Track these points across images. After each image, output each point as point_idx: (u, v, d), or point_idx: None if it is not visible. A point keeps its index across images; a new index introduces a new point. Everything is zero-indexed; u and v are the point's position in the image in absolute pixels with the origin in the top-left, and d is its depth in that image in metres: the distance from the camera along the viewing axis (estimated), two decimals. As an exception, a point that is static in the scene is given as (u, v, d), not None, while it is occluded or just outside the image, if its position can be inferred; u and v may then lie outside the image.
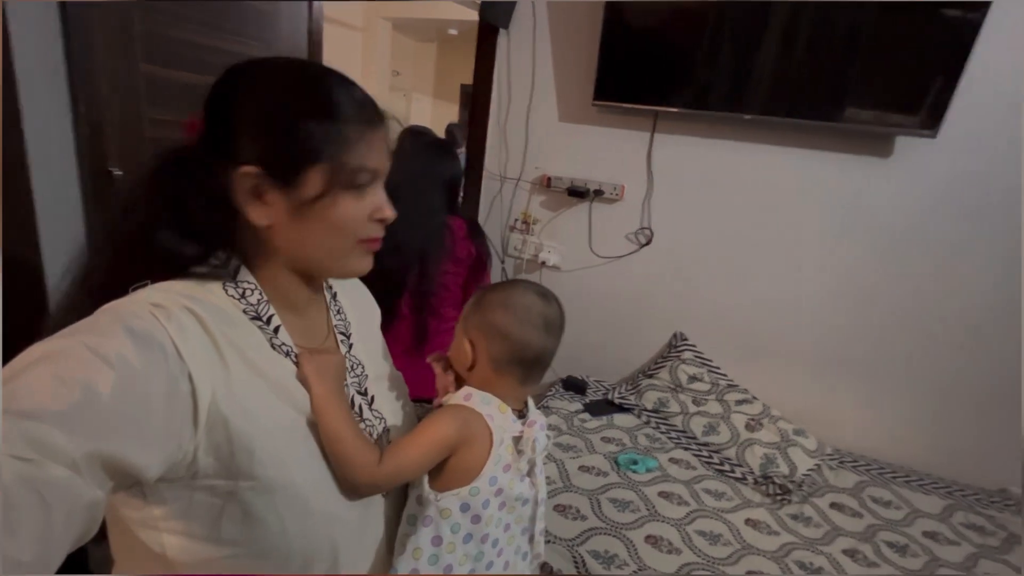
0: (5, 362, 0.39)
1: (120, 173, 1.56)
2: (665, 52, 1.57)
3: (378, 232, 0.56)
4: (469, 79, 6.41)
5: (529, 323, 0.64)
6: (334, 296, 0.68)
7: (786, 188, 1.58)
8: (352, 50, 4.47)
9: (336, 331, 0.65)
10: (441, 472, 0.60)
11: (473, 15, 4.58)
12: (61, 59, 1.43)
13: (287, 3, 1.95)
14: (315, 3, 2.09)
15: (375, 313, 0.77)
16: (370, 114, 0.52)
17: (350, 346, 0.66)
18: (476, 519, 0.59)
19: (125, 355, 0.40)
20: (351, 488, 0.54)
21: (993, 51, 1.30)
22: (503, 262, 1.94)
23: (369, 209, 0.53)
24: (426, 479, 0.60)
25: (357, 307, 0.72)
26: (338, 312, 0.67)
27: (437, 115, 5.81)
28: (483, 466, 0.59)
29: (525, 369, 0.65)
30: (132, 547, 0.48)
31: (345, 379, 0.60)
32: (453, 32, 5.20)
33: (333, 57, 2.14)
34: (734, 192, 1.64)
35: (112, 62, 1.49)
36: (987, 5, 1.25)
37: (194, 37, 1.69)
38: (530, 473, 0.64)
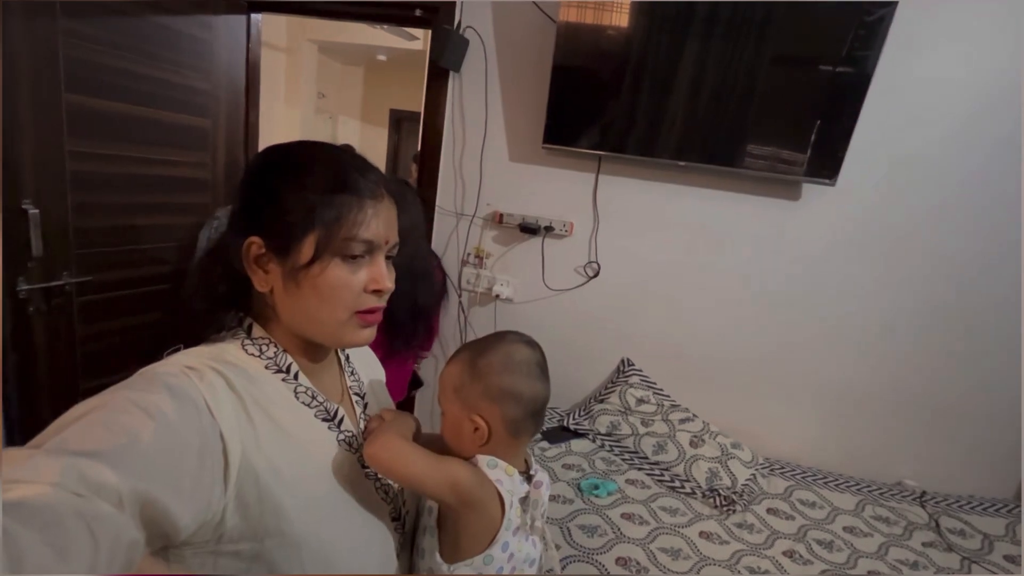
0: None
1: (36, 211, 1.41)
2: (603, 104, 1.71)
3: (376, 303, 0.56)
4: (398, 104, 6.33)
5: (533, 376, 0.65)
6: (347, 358, 0.70)
7: (715, 226, 1.77)
8: (276, 71, 4.32)
9: (351, 392, 0.67)
10: (453, 541, 0.60)
11: (403, 43, 4.61)
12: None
13: (224, 29, 1.89)
14: (253, 31, 2.03)
15: (381, 374, 0.79)
16: (369, 189, 0.54)
17: (364, 406, 0.68)
18: None
19: (163, 408, 0.42)
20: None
21: (881, 108, 1.55)
22: (460, 296, 1.97)
23: (365, 280, 0.55)
24: (436, 551, 0.60)
25: (367, 369, 0.74)
26: (352, 374, 0.69)
27: (365, 139, 5.72)
28: (496, 533, 0.59)
29: (538, 421, 0.66)
30: None
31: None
32: (382, 58, 5.18)
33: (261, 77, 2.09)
34: (671, 229, 1.81)
35: (31, 91, 1.36)
36: (871, 66, 1.46)
37: (124, 65, 1.58)
38: (533, 529, 0.64)
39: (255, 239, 0.53)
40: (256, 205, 0.54)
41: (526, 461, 0.68)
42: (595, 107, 1.72)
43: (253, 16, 2.00)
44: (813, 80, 1.57)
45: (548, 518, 1.35)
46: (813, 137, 1.58)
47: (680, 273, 1.82)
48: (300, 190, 0.52)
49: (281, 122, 4.36)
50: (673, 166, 1.72)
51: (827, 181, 1.60)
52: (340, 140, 5.54)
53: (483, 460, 0.61)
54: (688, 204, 1.77)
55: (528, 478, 0.65)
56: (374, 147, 5.67)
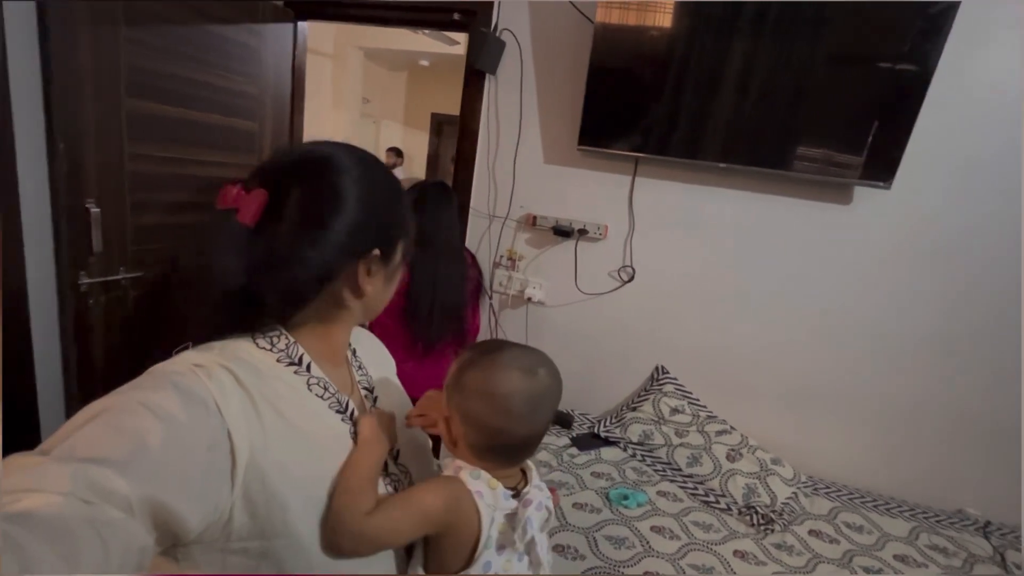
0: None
1: (97, 209, 1.51)
2: (641, 105, 1.67)
3: None
4: (440, 108, 6.47)
5: (510, 413, 0.58)
6: (354, 352, 0.70)
7: (759, 231, 1.70)
8: (322, 77, 4.47)
9: (360, 387, 0.67)
10: (436, 554, 0.58)
11: (445, 48, 4.67)
12: (39, 92, 1.39)
13: (272, 37, 1.96)
14: (300, 38, 2.10)
15: (391, 365, 0.78)
16: None
17: (375, 400, 0.68)
18: None
19: (172, 409, 0.42)
20: (332, 537, 0.50)
21: (942, 108, 1.44)
22: (491, 298, 1.97)
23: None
24: (420, 567, 0.58)
25: (375, 361, 0.74)
26: (359, 368, 0.69)
27: (407, 142, 5.84)
28: (475, 549, 0.56)
29: (506, 456, 0.61)
30: None
31: (395, 440, 0.62)
32: (424, 63, 5.28)
33: (307, 83, 2.15)
34: (711, 234, 1.74)
35: (96, 96, 1.46)
36: (933, 64, 1.38)
37: (178, 71, 1.67)
38: (529, 551, 0.59)
39: (375, 253, 0.56)
40: (364, 220, 0.54)
41: (526, 476, 0.64)
42: (633, 108, 1.68)
43: (300, 24, 2.07)
44: (870, 78, 1.48)
45: (574, 527, 1.33)
46: (870, 138, 1.49)
47: (719, 279, 1.76)
48: (395, 203, 0.60)
49: (327, 125, 4.51)
50: (714, 168, 1.66)
51: (882, 184, 1.50)
52: (383, 143, 5.68)
53: (467, 470, 0.59)
54: (729, 208, 1.71)
55: (518, 494, 0.61)
56: (416, 150, 5.78)
